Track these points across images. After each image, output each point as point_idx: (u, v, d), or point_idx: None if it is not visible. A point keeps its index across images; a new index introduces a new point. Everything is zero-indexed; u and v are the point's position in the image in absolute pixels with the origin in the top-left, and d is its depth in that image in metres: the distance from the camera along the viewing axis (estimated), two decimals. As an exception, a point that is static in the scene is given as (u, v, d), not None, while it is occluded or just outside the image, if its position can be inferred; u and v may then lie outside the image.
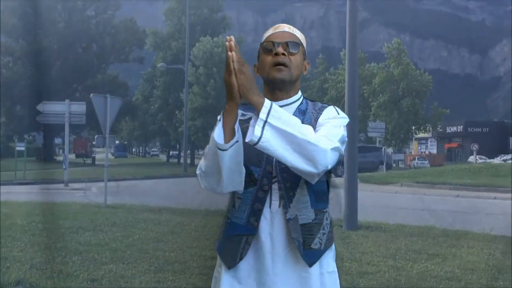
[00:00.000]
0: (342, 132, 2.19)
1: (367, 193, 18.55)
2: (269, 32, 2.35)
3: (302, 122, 2.14)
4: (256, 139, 1.95)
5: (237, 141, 2.04)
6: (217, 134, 2.05)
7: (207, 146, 2.12)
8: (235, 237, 2.23)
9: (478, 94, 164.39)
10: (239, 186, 2.15)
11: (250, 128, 1.99)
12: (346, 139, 2.25)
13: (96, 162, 48.22)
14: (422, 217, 12.46)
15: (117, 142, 65.83)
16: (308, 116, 2.27)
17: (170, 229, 9.43)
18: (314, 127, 2.18)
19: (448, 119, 60.57)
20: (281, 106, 2.17)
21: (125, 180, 25.86)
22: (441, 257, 7.54)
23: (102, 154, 33.04)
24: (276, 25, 2.37)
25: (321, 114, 2.26)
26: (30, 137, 59.88)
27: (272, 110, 1.97)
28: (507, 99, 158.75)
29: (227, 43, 2.05)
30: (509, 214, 13.51)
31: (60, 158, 43.43)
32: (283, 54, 2.23)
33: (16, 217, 10.35)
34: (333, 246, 2.45)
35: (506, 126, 71.88)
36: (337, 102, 50.66)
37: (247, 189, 2.19)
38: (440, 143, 73.32)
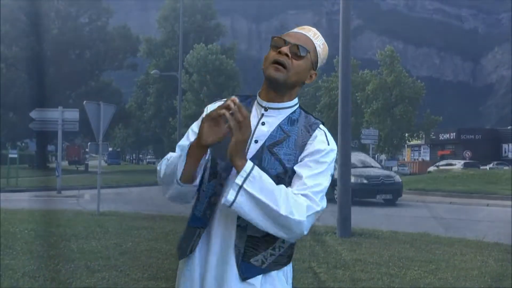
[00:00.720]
0: (327, 182, 2.11)
1: (360, 199, 18.56)
2: (293, 30, 2.28)
3: (288, 134, 2.14)
4: (228, 204, 1.97)
5: (194, 186, 2.09)
6: (178, 169, 2.05)
7: (170, 156, 2.14)
8: (191, 228, 2.23)
9: (470, 101, 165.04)
10: (187, 201, 2.19)
11: (227, 190, 1.99)
12: (333, 172, 2.17)
13: (89, 169, 48.07)
14: (415, 224, 12.47)
15: (110, 149, 65.66)
16: (296, 129, 2.18)
17: (163, 237, 9.40)
18: (298, 150, 2.13)
19: (441, 126, 60.62)
20: (271, 109, 2.20)
21: (118, 188, 25.81)
22: (434, 264, 7.54)
23: (95, 161, 32.95)
24: (303, 26, 2.29)
25: (309, 138, 2.16)
26: (23, 144, 59.71)
27: (250, 175, 1.96)
28: (500, 106, 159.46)
29: (231, 103, 1.94)
30: (502, 221, 13.56)
31: (53, 165, 43.25)
32: (286, 55, 2.14)
33: (8, 225, 10.30)
34: (287, 274, 2.21)
35: (499, 133, 72.09)
36: (330, 109, 50.74)
37: (210, 182, 2.16)
38: (433, 150, 73.43)
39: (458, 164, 49.16)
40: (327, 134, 2.21)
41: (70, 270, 6.64)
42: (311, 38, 2.23)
